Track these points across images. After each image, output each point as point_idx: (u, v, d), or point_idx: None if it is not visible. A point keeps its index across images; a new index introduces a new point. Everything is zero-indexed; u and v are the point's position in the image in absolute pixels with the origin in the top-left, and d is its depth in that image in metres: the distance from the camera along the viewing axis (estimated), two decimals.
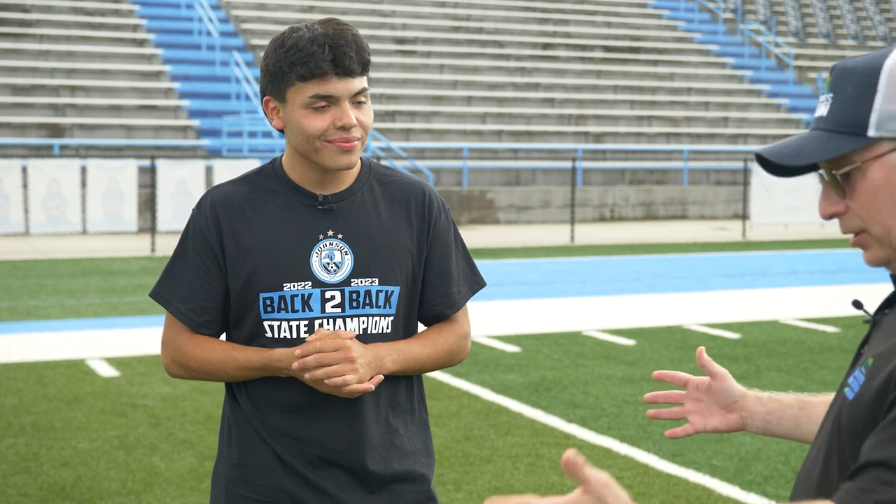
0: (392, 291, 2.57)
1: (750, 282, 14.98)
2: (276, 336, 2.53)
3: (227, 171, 18.72)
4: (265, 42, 27.21)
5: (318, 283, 2.52)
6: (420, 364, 2.60)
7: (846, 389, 1.63)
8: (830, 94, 1.63)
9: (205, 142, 23.07)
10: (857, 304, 1.83)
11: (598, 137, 26.79)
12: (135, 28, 27.34)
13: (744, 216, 22.10)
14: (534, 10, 33.06)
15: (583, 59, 30.43)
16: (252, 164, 18.96)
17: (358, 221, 2.56)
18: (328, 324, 2.52)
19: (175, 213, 18.03)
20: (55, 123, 22.58)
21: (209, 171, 19.01)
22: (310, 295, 2.52)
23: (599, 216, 24.61)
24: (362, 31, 28.58)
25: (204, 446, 6.63)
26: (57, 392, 8.00)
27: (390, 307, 2.57)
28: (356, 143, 2.49)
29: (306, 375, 2.45)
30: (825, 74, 26.74)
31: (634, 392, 8.11)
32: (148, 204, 18.79)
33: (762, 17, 36.20)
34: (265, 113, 2.56)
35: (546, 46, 30.74)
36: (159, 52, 26.22)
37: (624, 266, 16.72)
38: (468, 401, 7.83)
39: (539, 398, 7.91)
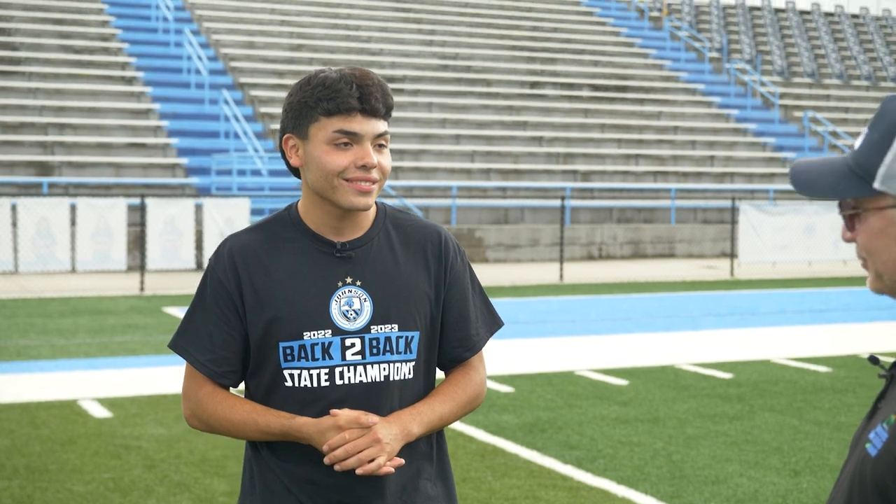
0: (412, 337, 2.56)
1: (739, 321, 15.00)
2: (296, 384, 2.52)
3: (217, 209, 18.73)
4: (254, 80, 27.37)
5: (337, 330, 2.51)
6: (443, 421, 2.60)
7: (867, 445, 1.64)
8: (867, 130, 1.68)
9: (193, 180, 23.06)
10: (874, 360, 1.85)
11: (586, 176, 26.89)
12: (123, 66, 27.39)
13: (732, 255, 22.17)
14: (521, 48, 33.25)
15: (570, 98, 30.59)
16: (241, 203, 18.98)
17: (376, 267, 2.56)
18: (349, 371, 2.51)
19: (164, 251, 18.01)
20: (44, 161, 22.56)
21: (199, 209, 18.99)
22: (330, 343, 2.50)
23: (587, 254, 24.65)
24: None
25: (200, 489, 6.59)
26: (50, 433, 7.95)
27: (411, 352, 2.57)
28: (374, 185, 2.49)
29: (336, 467, 2.45)
30: (811, 113, 26.73)
31: (629, 433, 8.11)
32: (136, 242, 18.76)
33: (747, 57, 36.47)
34: (283, 152, 2.56)
35: (534, 85, 30.89)
36: (148, 90, 26.26)
37: (613, 305, 16.74)
38: (463, 442, 7.81)
39: (534, 439, 7.90)
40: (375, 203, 2.61)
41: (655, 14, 38.46)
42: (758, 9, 40.81)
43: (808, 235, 22.69)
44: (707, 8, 39.77)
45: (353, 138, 2.45)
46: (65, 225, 17.83)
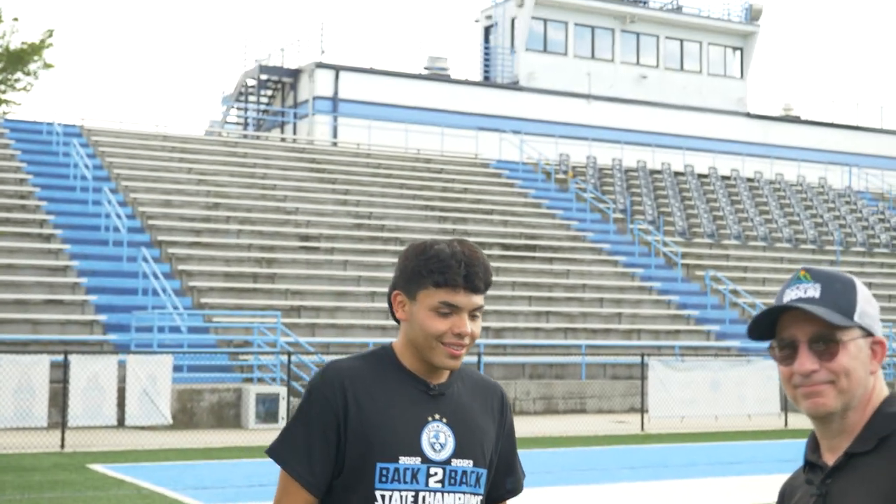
0: (481, 474, 3.01)
1: (653, 473, 15.53)
2: None
3: (140, 365, 18.91)
4: (172, 238, 27.78)
5: (425, 459, 2.93)
6: None
7: None
8: (818, 284, 2.32)
9: (112, 337, 23.20)
10: (809, 481, 2.40)
11: (499, 332, 27.54)
12: (41, 223, 27.64)
13: (642, 409, 22.79)
14: (433, 208, 34.22)
15: None
16: (164, 360, 19.21)
17: (458, 409, 3.01)
18: (430, 497, 2.92)
19: (86, 408, 18.08)
20: None
21: (122, 366, 19.14)
22: (418, 469, 2.91)
23: None
24: (267, 228, 29.45)
25: None
26: None
27: (479, 487, 3.01)
28: (463, 350, 2.95)
29: None
30: (711, 272, 27.81)
31: None
32: (56, 399, 18.80)
33: (650, 218, 37.88)
34: (390, 304, 3.02)
35: None
36: (66, 247, 26.50)
37: (531, 458, 17.16)
38: None
39: None
40: None
41: (561, 176, 39.87)
42: (658, 172, 42.52)
43: (714, 390, 23.48)
44: (610, 171, 41.34)
45: (453, 309, 2.92)
46: None
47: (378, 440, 2.91)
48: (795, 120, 49.88)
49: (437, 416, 2.98)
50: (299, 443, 2.94)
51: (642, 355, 23.42)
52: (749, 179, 44.48)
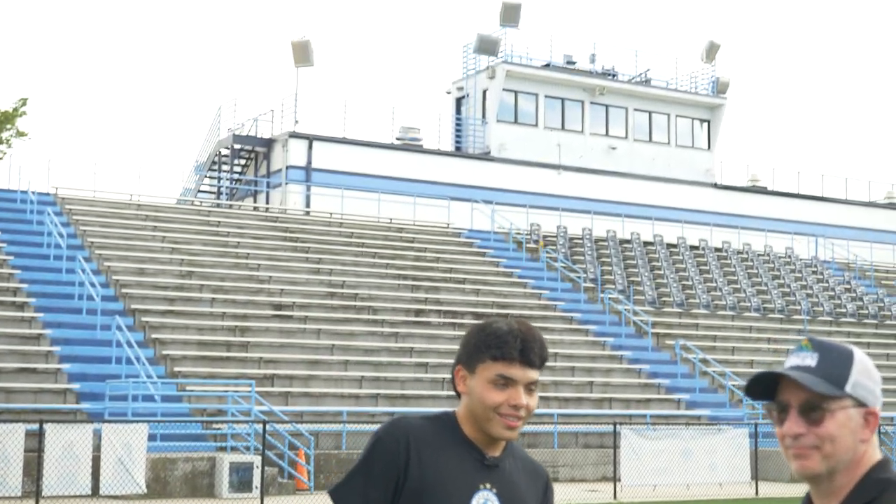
0: None
1: None
2: None
3: (115, 434, 18.92)
4: (146, 307, 27.83)
5: None
6: None
7: None
8: (816, 353, 2.51)
9: (85, 405, 23.15)
10: None
11: None
12: (15, 292, 27.65)
13: (615, 478, 22.91)
14: (405, 277, 34.44)
15: (454, 325, 31.64)
16: (140, 428, 19.23)
17: (508, 483, 3.20)
18: None
19: (61, 477, 18.05)
20: None
21: (97, 435, 19.14)
22: None
23: None
24: (240, 297, 29.56)
25: None
26: None
27: None
28: (520, 422, 3.15)
29: None
30: (681, 341, 28.05)
31: None
32: (30, 468, 18.76)
33: (620, 287, 38.22)
34: (453, 378, 3.23)
35: (418, 313, 31.93)
36: (39, 315, 26.50)
37: None
38: None
39: None
40: None
41: (532, 245, 40.23)
42: (627, 242, 42.97)
43: (686, 459, 23.65)
44: (580, 240, 41.74)
45: (509, 382, 3.13)
46: None
47: (432, 498, 3.10)
48: (762, 191, 50.60)
49: (488, 486, 3.17)
50: (359, 491, 3.12)
51: (614, 424, 23.58)
52: (717, 249, 45.00)
